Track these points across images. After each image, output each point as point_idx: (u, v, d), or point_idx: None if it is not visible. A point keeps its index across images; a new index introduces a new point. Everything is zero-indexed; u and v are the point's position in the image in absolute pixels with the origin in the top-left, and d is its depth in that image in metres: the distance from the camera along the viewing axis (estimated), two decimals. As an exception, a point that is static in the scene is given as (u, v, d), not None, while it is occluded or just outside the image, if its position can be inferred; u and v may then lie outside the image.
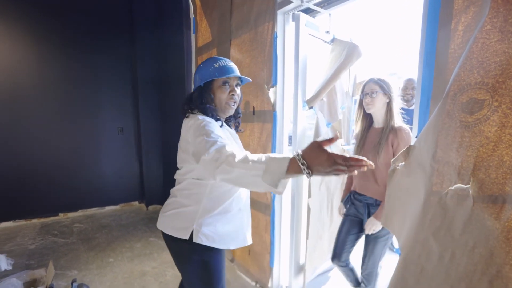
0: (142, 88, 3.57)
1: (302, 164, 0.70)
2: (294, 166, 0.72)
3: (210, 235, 1.07)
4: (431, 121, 0.94)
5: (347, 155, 0.67)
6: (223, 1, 2.20)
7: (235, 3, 2.07)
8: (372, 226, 1.43)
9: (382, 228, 1.44)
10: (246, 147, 2.08)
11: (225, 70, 1.09)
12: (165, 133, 3.70)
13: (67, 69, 3.29)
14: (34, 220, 3.29)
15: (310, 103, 1.76)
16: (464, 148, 0.84)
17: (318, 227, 1.96)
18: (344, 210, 1.66)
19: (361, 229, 1.58)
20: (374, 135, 1.50)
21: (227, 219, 1.11)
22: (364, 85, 1.50)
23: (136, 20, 3.45)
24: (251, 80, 1.24)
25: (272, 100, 1.79)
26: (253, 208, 2.06)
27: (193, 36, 2.74)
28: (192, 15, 2.69)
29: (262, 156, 0.78)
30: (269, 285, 1.96)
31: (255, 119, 1.97)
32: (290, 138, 1.87)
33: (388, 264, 2.32)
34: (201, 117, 1.04)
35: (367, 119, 1.57)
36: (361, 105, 1.54)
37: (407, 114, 2.25)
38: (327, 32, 1.93)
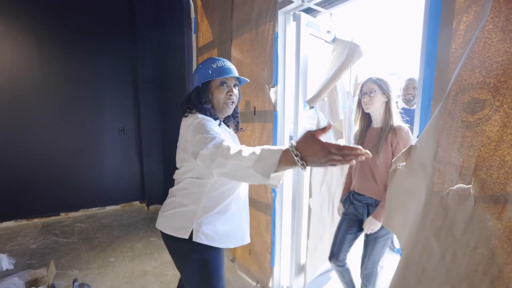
0: (142, 88, 3.58)
1: (296, 155, 0.68)
2: (287, 158, 0.70)
3: (209, 234, 1.07)
4: (432, 121, 0.94)
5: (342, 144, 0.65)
6: (224, 1, 2.20)
7: (236, 3, 2.07)
8: (371, 225, 1.43)
9: (382, 228, 1.44)
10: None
11: (223, 71, 1.10)
12: (165, 133, 3.71)
13: (68, 69, 3.29)
14: (36, 220, 3.29)
15: (311, 103, 1.75)
16: (465, 148, 0.84)
17: (319, 227, 1.95)
18: (343, 209, 1.66)
19: (359, 229, 1.57)
20: (373, 134, 1.50)
21: (227, 218, 1.12)
22: (363, 85, 1.50)
23: (137, 20, 3.46)
24: (248, 80, 1.25)
25: (273, 100, 1.79)
26: (254, 208, 2.06)
27: (194, 36, 2.74)
28: (193, 15, 2.69)
29: (257, 148, 0.78)
30: (270, 285, 1.96)
31: (256, 119, 1.97)
32: (291, 138, 1.87)
33: (389, 264, 2.32)
34: (200, 115, 1.05)
35: (366, 118, 1.57)
36: (359, 104, 1.54)
37: (409, 114, 2.25)
38: (328, 32, 1.92)
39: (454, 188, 0.87)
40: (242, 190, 1.17)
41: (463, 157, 0.85)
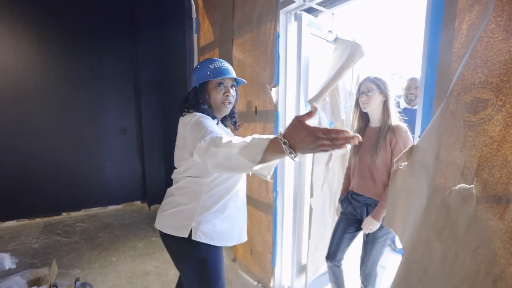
0: (144, 88, 3.58)
1: (284, 143, 0.67)
2: (276, 145, 0.69)
3: (208, 232, 1.08)
4: (434, 121, 0.94)
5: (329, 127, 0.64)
6: (225, 1, 2.20)
7: (237, 3, 2.07)
8: (370, 225, 1.42)
9: (381, 228, 1.43)
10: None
11: (220, 72, 1.12)
12: (167, 133, 3.72)
13: (69, 69, 3.30)
14: (38, 220, 3.31)
15: (312, 102, 1.75)
16: (467, 148, 0.84)
17: (320, 227, 1.95)
18: (341, 209, 1.66)
19: (357, 228, 1.57)
20: (371, 134, 1.49)
21: (225, 216, 1.13)
22: (360, 84, 1.49)
23: (138, 20, 3.46)
24: (246, 81, 1.26)
25: (274, 100, 1.79)
26: (255, 208, 2.06)
27: (195, 36, 2.74)
28: (194, 14, 2.70)
29: (249, 137, 0.78)
30: (271, 285, 1.95)
31: (257, 119, 1.97)
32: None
33: (391, 265, 2.32)
34: (198, 114, 1.06)
35: (364, 118, 1.56)
36: (357, 104, 1.53)
37: (410, 114, 2.24)
38: (330, 31, 1.92)
39: (456, 188, 0.87)
40: (240, 189, 1.18)
41: (465, 157, 0.84)
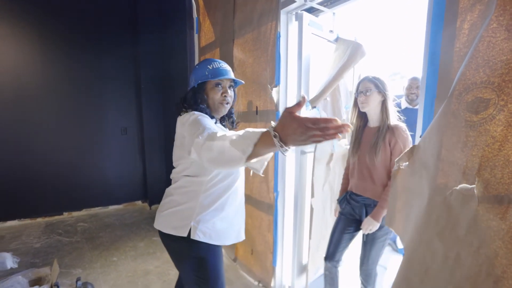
0: (145, 88, 3.59)
1: (275, 136, 0.66)
2: (267, 138, 0.69)
3: (207, 232, 1.09)
4: (435, 121, 0.93)
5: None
6: (226, 1, 2.20)
7: (238, 3, 2.07)
8: (369, 226, 1.41)
9: (380, 228, 1.43)
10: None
11: (218, 72, 1.13)
12: (168, 133, 3.72)
13: (71, 69, 3.31)
14: (39, 219, 3.32)
15: (313, 102, 1.75)
16: (469, 148, 0.83)
17: (321, 227, 1.95)
18: (340, 209, 1.65)
19: (356, 229, 1.56)
20: (370, 134, 1.48)
21: (223, 215, 1.13)
22: (359, 83, 1.48)
23: (139, 20, 3.47)
24: (243, 82, 1.27)
25: (275, 100, 1.79)
26: (256, 208, 2.06)
27: (196, 36, 2.74)
28: (195, 15, 2.70)
29: (243, 130, 0.79)
30: (272, 284, 1.95)
31: (258, 119, 1.97)
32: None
33: (392, 265, 2.31)
34: (196, 112, 1.07)
35: (362, 118, 1.55)
36: (356, 103, 1.52)
37: (412, 113, 2.24)
38: (331, 31, 1.92)
39: (457, 188, 0.87)
40: (239, 188, 1.19)
41: (466, 157, 0.84)
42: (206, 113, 1.11)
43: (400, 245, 2.50)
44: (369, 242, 1.48)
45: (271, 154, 0.77)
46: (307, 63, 1.73)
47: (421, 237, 0.97)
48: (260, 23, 1.86)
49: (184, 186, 1.11)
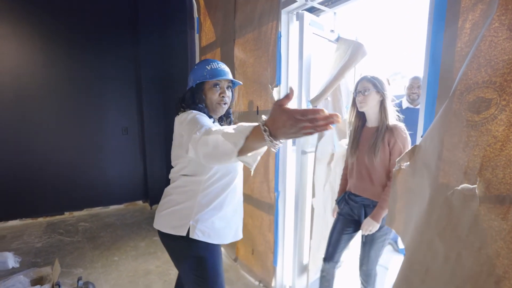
0: (146, 88, 3.59)
1: (264, 130, 0.66)
2: (258, 132, 0.68)
3: (206, 230, 1.10)
4: (437, 121, 0.93)
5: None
6: (227, 0, 2.20)
7: (239, 3, 2.07)
8: (369, 226, 1.40)
9: (379, 228, 1.42)
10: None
11: (217, 73, 1.14)
12: (169, 133, 3.70)
13: (72, 70, 3.32)
14: (40, 219, 3.33)
15: (314, 102, 1.75)
16: (470, 148, 0.83)
17: (322, 227, 1.95)
18: (338, 210, 1.63)
19: (355, 229, 1.55)
20: (369, 135, 1.47)
21: (222, 214, 1.14)
22: (357, 83, 1.47)
23: (140, 20, 3.47)
24: (241, 83, 1.29)
25: (276, 100, 1.79)
26: (257, 208, 2.06)
27: (197, 36, 2.74)
28: (196, 15, 2.70)
29: (237, 124, 0.80)
30: (273, 284, 1.95)
31: (259, 119, 1.96)
32: (294, 137, 1.86)
33: (393, 265, 2.31)
34: (194, 111, 1.08)
35: (360, 117, 1.54)
36: (354, 103, 1.51)
37: (413, 113, 2.23)
38: (332, 31, 1.92)
39: (459, 188, 0.86)
40: (237, 187, 1.20)
41: (468, 157, 0.84)
42: (204, 112, 1.12)
43: (401, 245, 2.49)
44: (368, 243, 1.48)
45: (264, 149, 0.77)
46: (308, 63, 1.73)
47: (422, 237, 0.97)
48: (261, 23, 1.86)
49: (182, 185, 1.12)
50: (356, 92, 1.46)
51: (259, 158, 0.80)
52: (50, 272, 1.97)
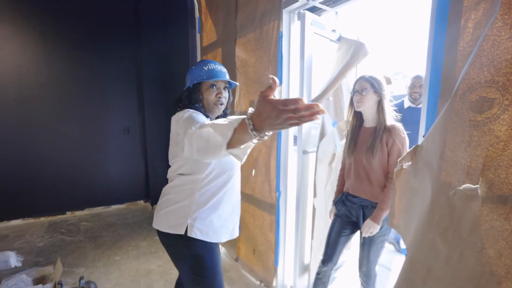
0: (147, 87, 3.60)
1: (249, 124, 0.66)
2: (245, 124, 0.68)
3: (204, 229, 1.10)
4: (439, 120, 0.93)
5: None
6: (228, 0, 2.20)
7: (240, 2, 2.07)
8: (370, 228, 1.39)
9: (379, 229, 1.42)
10: (251, 146, 2.08)
11: (214, 74, 1.15)
12: (170, 133, 3.72)
13: (74, 70, 3.33)
14: (42, 219, 3.34)
15: (315, 102, 1.75)
16: (473, 148, 0.83)
17: (324, 227, 1.94)
18: (335, 211, 1.61)
19: (352, 231, 1.54)
20: (366, 135, 1.46)
21: (220, 213, 1.15)
22: (355, 82, 1.46)
23: (142, 20, 3.48)
24: (238, 84, 1.30)
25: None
26: (258, 208, 2.06)
27: (198, 35, 2.75)
28: (197, 14, 2.70)
29: (228, 117, 0.80)
30: (274, 284, 1.95)
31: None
32: (295, 138, 1.86)
33: (396, 265, 2.30)
34: (191, 110, 1.09)
35: (357, 117, 1.52)
36: (352, 103, 1.50)
37: (415, 112, 2.22)
38: (333, 30, 1.91)
39: (461, 188, 0.86)
40: (235, 185, 1.21)
41: (470, 157, 0.84)
42: (200, 111, 1.13)
43: (403, 245, 2.49)
44: (367, 244, 1.47)
45: (254, 143, 0.76)
46: (310, 63, 1.73)
47: (423, 237, 0.97)
48: (262, 22, 1.86)
49: (179, 184, 1.13)
50: (354, 91, 1.46)
51: (248, 151, 0.80)
52: (52, 271, 1.98)
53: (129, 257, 2.47)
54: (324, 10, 1.83)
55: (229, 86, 1.23)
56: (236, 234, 1.26)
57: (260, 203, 2.04)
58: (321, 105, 1.75)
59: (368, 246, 1.47)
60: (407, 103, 2.41)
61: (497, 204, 0.78)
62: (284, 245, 1.93)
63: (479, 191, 0.82)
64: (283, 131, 1.82)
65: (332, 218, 1.65)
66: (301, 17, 1.67)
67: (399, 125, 1.40)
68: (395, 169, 1.12)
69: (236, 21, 2.13)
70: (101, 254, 2.52)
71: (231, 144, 0.76)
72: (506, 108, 0.76)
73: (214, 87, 1.16)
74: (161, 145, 3.77)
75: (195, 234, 1.08)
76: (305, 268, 1.97)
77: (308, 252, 1.93)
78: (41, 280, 1.92)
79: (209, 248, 1.13)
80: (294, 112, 0.58)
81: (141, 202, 3.94)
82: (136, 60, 3.66)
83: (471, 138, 0.83)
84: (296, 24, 1.78)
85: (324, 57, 1.89)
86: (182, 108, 1.15)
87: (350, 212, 1.53)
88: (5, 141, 3.04)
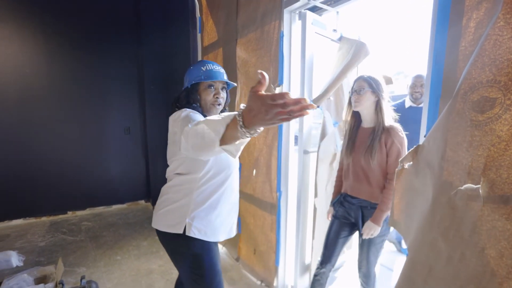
0: (148, 87, 3.60)
1: (239, 120, 0.66)
2: (237, 122, 0.69)
3: (202, 228, 1.11)
4: (440, 120, 0.93)
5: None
6: (229, 0, 2.20)
7: (241, 2, 2.07)
8: (371, 230, 1.38)
9: None
10: (252, 146, 2.09)
11: (211, 74, 1.16)
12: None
13: (75, 70, 3.33)
14: (44, 218, 3.35)
15: (316, 102, 1.75)
16: (474, 148, 0.83)
17: (324, 227, 1.95)
18: (333, 212, 1.60)
19: (350, 232, 1.54)
20: (364, 135, 1.45)
21: (218, 212, 1.15)
22: (354, 82, 1.46)
23: (142, 20, 3.48)
24: (236, 84, 1.30)
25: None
26: (259, 208, 2.06)
27: (199, 35, 2.75)
28: (198, 14, 2.70)
29: (222, 114, 0.82)
30: (275, 284, 1.96)
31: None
32: (296, 138, 1.86)
33: (397, 266, 2.30)
34: (188, 109, 1.10)
35: (356, 117, 1.51)
36: (350, 102, 1.49)
37: (416, 112, 2.22)
38: (334, 30, 1.91)
39: (462, 188, 0.86)
40: (233, 184, 1.21)
41: (472, 157, 0.83)
42: (198, 111, 1.13)
43: (404, 245, 2.49)
44: (366, 245, 1.46)
45: (248, 139, 0.76)
46: (311, 62, 1.73)
47: (425, 237, 0.97)
48: (263, 22, 1.86)
49: (177, 184, 1.14)
50: (352, 91, 1.45)
51: (242, 147, 0.80)
52: (53, 271, 1.98)
53: (130, 257, 2.47)
54: (325, 10, 1.83)
55: (227, 87, 1.24)
56: (234, 233, 1.26)
57: (261, 203, 2.04)
58: (322, 104, 1.73)
59: (367, 247, 1.46)
60: (408, 103, 2.41)
61: (499, 204, 0.78)
62: (285, 245, 1.93)
63: (480, 191, 0.81)
64: (284, 131, 1.82)
65: (329, 219, 1.63)
66: (302, 17, 1.67)
67: (398, 125, 1.40)
68: (396, 169, 1.12)
69: (237, 21, 2.13)
70: (102, 254, 2.52)
71: (224, 141, 0.76)
72: (508, 108, 0.76)
73: (212, 87, 1.17)
74: (162, 145, 3.77)
75: (193, 233, 1.09)
76: (306, 268, 1.97)
77: (309, 252, 1.93)
78: (42, 279, 1.92)
79: (207, 247, 1.14)
80: (283, 107, 0.58)
81: (142, 202, 3.95)
82: (137, 60, 3.67)
83: (472, 138, 0.83)
84: (297, 24, 1.78)
85: (325, 57, 1.89)
86: (180, 108, 1.15)
87: (349, 213, 1.52)
88: (6, 141, 3.05)
